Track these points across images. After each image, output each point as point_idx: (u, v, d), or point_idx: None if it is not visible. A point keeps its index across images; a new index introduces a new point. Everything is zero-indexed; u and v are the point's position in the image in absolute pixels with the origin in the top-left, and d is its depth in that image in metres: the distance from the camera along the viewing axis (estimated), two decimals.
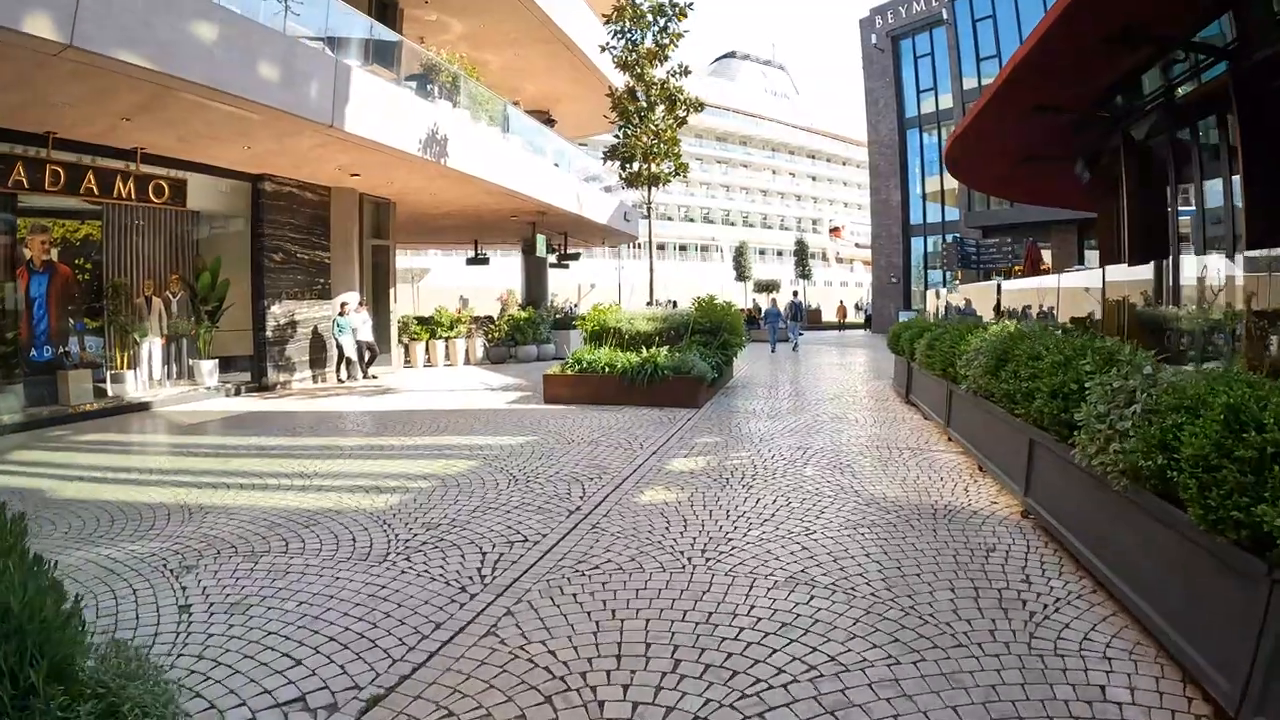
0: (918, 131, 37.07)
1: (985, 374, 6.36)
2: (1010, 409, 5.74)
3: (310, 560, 5.21)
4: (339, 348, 17.20)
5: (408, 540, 5.55)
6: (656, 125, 14.75)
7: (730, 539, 5.28)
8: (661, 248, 77.76)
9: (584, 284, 50.31)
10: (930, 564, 4.72)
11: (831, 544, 5.12)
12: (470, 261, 31.09)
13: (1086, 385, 4.39)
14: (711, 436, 9.40)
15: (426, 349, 21.52)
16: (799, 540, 5.22)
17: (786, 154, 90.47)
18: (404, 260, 64.93)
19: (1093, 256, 29.32)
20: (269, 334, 16.03)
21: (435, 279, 58.80)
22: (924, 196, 36.87)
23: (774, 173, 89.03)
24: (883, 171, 38.15)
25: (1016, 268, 26.14)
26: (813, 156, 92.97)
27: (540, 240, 22.96)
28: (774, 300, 31.21)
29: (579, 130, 30.67)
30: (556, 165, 23.91)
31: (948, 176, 35.49)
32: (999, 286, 10.97)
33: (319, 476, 7.68)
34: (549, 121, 26.75)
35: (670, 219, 79.66)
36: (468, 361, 21.96)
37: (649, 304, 16.68)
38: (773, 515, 5.83)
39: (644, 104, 14.51)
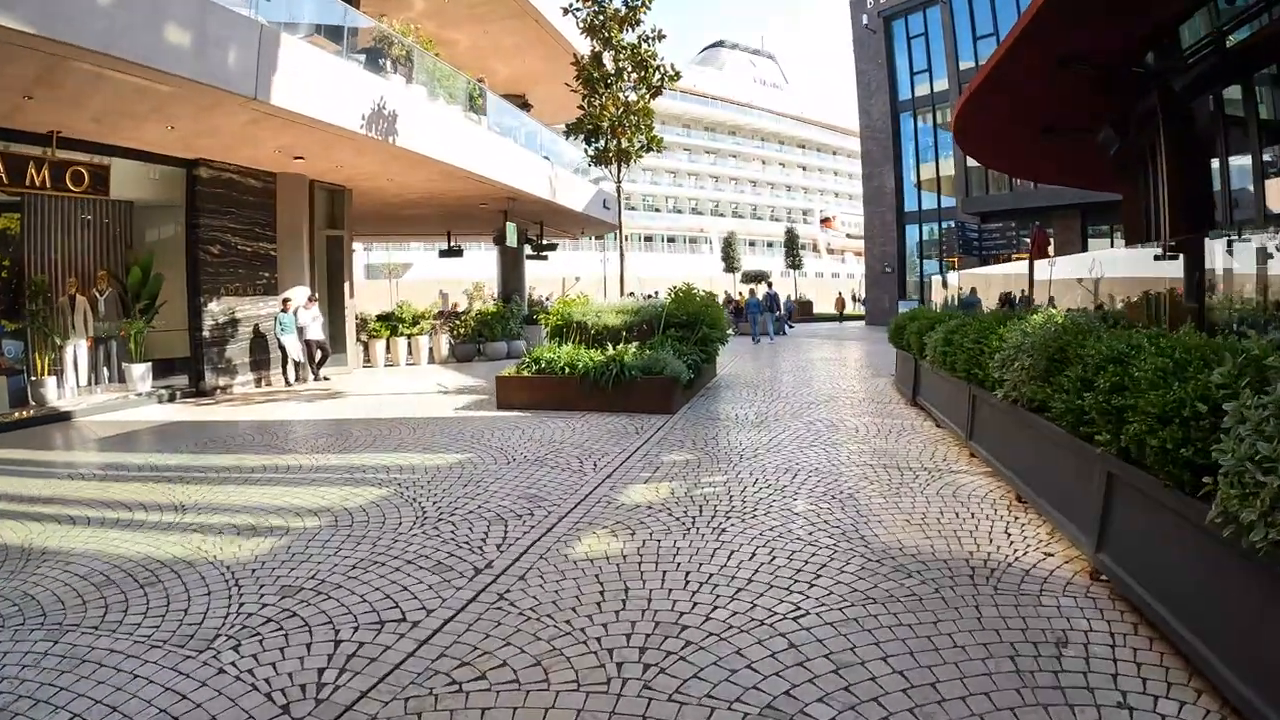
0: (911, 116, 35.49)
1: (1032, 379, 4.79)
2: (1074, 429, 4.17)
3: (119, 641, 3.79)
4: (283, 348, 15.57)
5: (250, 614, 4.00)
6: (625, 95, 13.09)
7: (684, 627, 3.67)
8: (650, 239, 76.36)
9: (569, 277, 48.84)
10: (979, 674, 3.14)
11: (831, 635, 3.52)
12: (444, 254, 29.49)
13: (1225, 407, 2.82)
14: (682, 453, 7.81)
15: (387, 347, 19.92)
16: (783, 629, 3.61)
17: (776, 144, 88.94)
18: (383, 255, 63.61)
19: (1096, 244, 27.92)
20: (206, 334, 14.53)
21: (417, 273, 57.25)
22: (919, 185, 35.32)
23: (764, 163, 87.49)
24: (875, 157, 36.55)
25: (1016, 254, 24.68)
26: (803, 146, 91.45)
27: (510, 229, 21.32)
28: (752, 291, 29.83)
29: (557, 116, 29.02)
30: (547, 158, 22.38)
31: (944, 162, 34.12)
32: (1031, 273, 9.38)
33: (197, 509, 6.13)
34: (525, 106, 25.09)
35: (658, 210, 78.32)
36: (432, 360, 20.37)
37: (639, 295, 15.13)
38: (748, 581, 4.22)
39: (611, 70, 12.83)
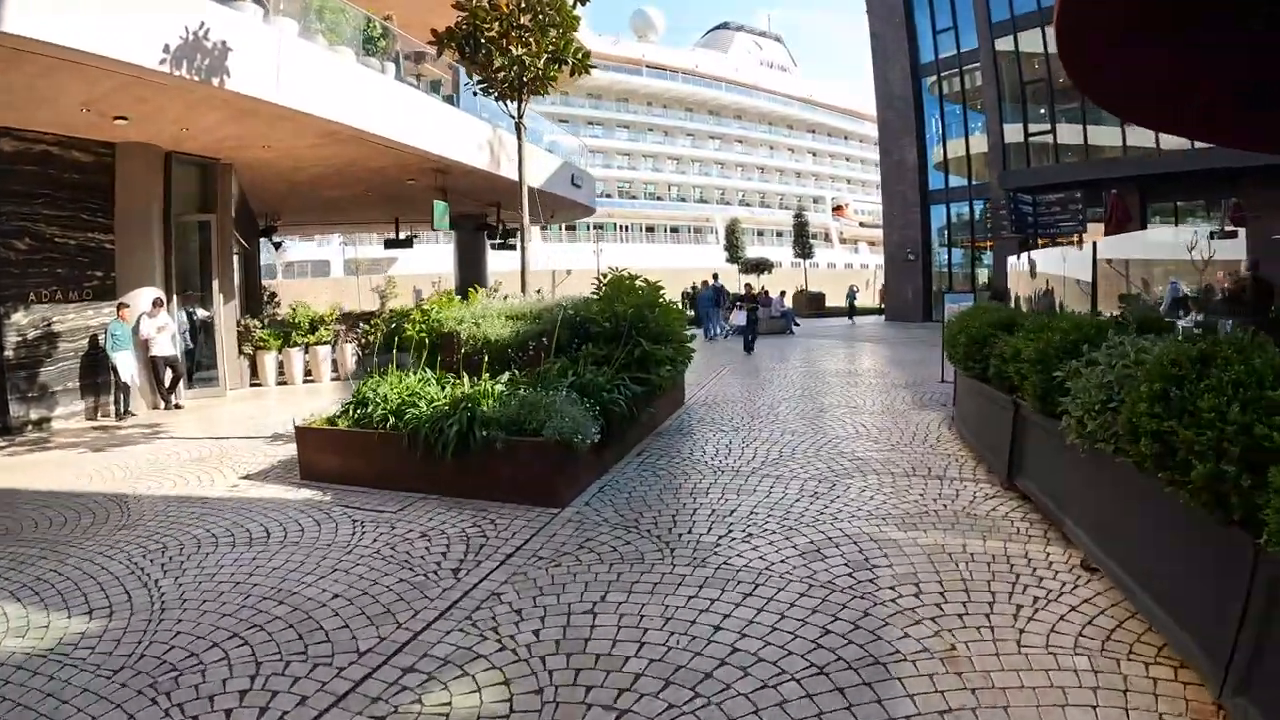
0: (936, 80, 30.69)
1: None
2: None
3: None
4: (115, 369, 11.46)
5: None
6: None
7: None
8: (651, 230, 71.91)
9: (559, 270, 44.45)
10: None
11: None
12: (390, 244, 25.33)
13: None
14: (491, 678, 3.24)
15: (280, 362, 15.51)
16: None
17: (785, 128, 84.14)
18: (366, 249, 59.36)
19: (1158, 226, 23.21)
20: (10, 354, 10.73)
21: (401, 268, 53.03)
22: (946, 166, 30.49)
23: (771, 148, 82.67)
24: (894, 128, 31.73)
25: (1068, 238, 19.98)
26: (813, 131, 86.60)
27: (439, 209, 16.77)
28: (705, 283, 25.44)
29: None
30: (528, 132, 17.98)
31: (975, 138, 29.25)
32: None
33: None
34: None
35: (660, 199, 73.92)
36: (337, 375, 15.93)
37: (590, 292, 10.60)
38: None
39: None
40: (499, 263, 26.77)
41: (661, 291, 7.99)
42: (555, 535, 4.94)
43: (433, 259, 44.87)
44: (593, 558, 4.49)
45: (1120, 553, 3.66)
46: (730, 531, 4.82)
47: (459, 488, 5.87)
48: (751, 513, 5.16)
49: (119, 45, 8.28)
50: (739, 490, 5.76)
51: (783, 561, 4.25)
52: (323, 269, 63.29)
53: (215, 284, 14.11)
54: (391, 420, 6.25)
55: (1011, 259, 14.58)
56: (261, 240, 23.19)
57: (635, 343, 6.99)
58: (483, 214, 23.40)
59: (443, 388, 6.66)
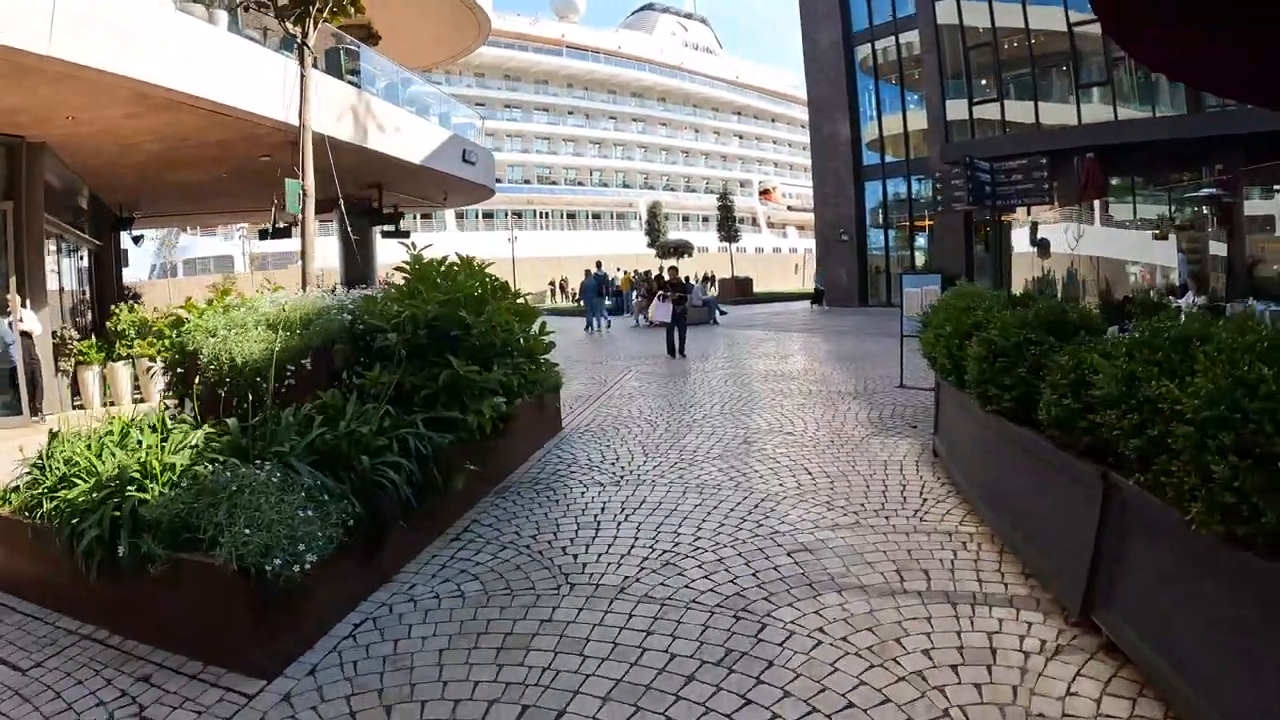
0: (870, 49, 28.67)
1: None
2: None
3: None
4: None
5: None
6: None
7: None
8: (573, 216, 69.29)
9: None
10: None
11: None
12: (265, 234, 22.18)
13: None
14: None
15: (104, 379, 12.50)
16: None
17: (710, 111, 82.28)
18: (278, 244, 55.39)
19: (1115, 203, 21.54)
20: None
21: (321, 262, 49.18)
22: (882, 145, 28.56)
23: (696, 131, 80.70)
24: (826, 100, 29.66)
25: (1011, 214, 18.09)
26: (739, 113, 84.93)
27: (292, 188, 13.83)
28: (587, 272, 23.21)
29: (418, 56, 21.81)
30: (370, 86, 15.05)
31: (912, 112, 27.31)
32: None
33: None
34: (369, 38, 17.31)
35: (582, 184, 71.29)
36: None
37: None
38: None
39: None
40: (398, 253, 23.88)
41: (492, 280, 5.35)
42: None
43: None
44: None
45: None
46: None
47: (130, 623, 3.26)
48: (594, 718, 2.60)
49: None
50: (586, 640, 3.14)
51: None
52: (226, 264, 58.74)
53: (11, 280, 11.20)
54: (43, 510, 3.60)
55: (1020, 227, 12.36)
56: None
57: (441, 363, 4.37)
58: (364, 196, 20.45)
59: (144, 445, 4.00)
